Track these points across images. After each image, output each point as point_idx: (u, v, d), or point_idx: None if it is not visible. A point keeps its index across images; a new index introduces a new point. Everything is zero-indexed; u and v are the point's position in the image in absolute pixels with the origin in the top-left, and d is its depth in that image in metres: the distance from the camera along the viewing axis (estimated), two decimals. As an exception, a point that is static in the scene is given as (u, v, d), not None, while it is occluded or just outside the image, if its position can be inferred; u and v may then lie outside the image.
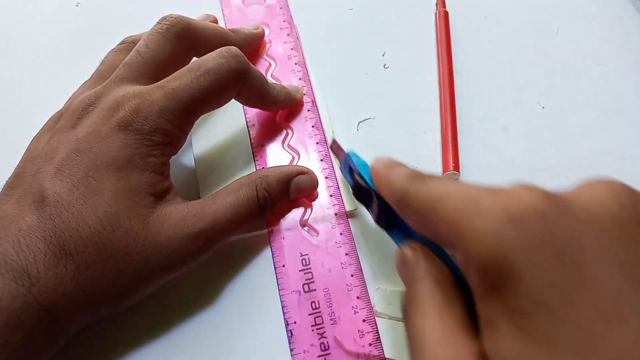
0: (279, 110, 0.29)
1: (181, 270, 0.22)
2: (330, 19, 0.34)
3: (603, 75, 0.33)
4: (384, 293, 0.25)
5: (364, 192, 0.23)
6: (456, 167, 0.28)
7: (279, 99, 0.27)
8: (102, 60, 0.26)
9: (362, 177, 0.23)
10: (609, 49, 0.34)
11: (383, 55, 0.33)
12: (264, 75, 0.26)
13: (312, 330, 0.23)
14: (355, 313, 0.23)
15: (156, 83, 0.23)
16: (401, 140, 0.30)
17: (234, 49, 0.24)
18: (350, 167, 0.24)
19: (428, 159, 0.29)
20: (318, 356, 0.22)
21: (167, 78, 0.23)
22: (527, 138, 0.30)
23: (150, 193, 0.22)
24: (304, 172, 0.26)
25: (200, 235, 0.22)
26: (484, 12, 0.35)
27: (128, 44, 0.27)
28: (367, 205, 0.24)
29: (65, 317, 0.19)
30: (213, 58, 0.23)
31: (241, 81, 0.24)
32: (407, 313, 0.18)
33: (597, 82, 0.32)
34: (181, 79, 0.22)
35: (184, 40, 0.24)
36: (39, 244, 0.19)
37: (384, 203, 0.21)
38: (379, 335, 0.23)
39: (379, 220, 0.23)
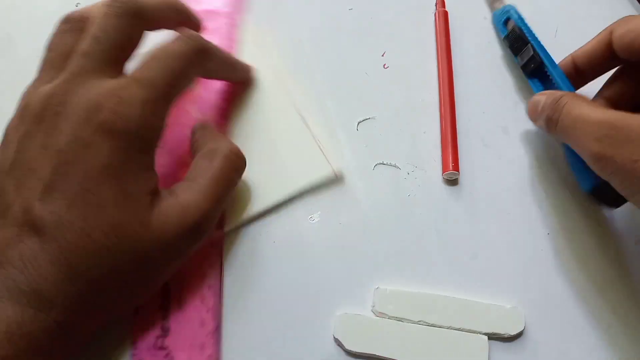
0: (244, 82, 0.30)
1: (187, 255, 0.23)
2: (330, 19, 0.34)
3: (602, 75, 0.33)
4: (383, 293, 0.25)
5: (518, 41, 0.30)
6: (455, 167, 0.28)
7: (244, 70, 0.29)
8: (48, 46, 0.24)
9: (521, 29, 0.30)
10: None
11: (383, 55, 0.33)
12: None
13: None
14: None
15: (127, 76, 0.22)
16: (401, 140, 0.30)
17: (189, 31, 0.24)
18: (507, 17, 0.32)
19: (427, 158, 0.29)
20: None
21: (136, 69, 0.22)
22: (527, 138, 0.30)
23: (147, 193, 0.21)
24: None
25: (202, 221, 0.22)
26: (484, 12, 0.35)
27: (74, 24, 0.24)
28: (517, 53, 0.31)
29: (81, 331, 0.20)
30: (174, 42, 0.23)
31: (206, 58, 0.24)
32: (563, 110, 0.24)
33: (596, 82, 0.32)
34: (152, 68, 0.22)
35: (138, 18, 0.23)
36: (47, 267, 0.18)
37: (538, 55, 0.29)
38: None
39: (525, 67, 0.30)
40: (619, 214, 0.27)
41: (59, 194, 0.19)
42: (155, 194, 0.22)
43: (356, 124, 0.30)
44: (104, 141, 0.20)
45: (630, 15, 0.26)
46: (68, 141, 0.20)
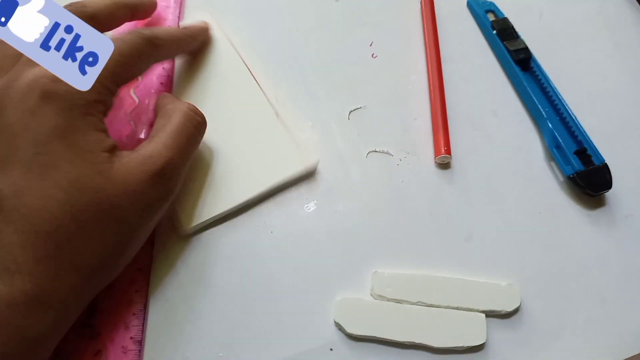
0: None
1: (160, 211, 0.23)
2: (317, 10, 0.34)
3: (595, 61, 0.33)
4: (381, 276, 0.25)
5: (506, 30, 0.33)
6: (448, 151, 0.28)
7: (199, 35, 0.30)
8: None
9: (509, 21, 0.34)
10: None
11: (371, 45, 0.33)
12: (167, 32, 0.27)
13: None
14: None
15: None
16: (392, 127, 0.30)
17: (136, 32, 0.24)
18: (489, 9, 0.35)
19: (419, 144, 0.29)
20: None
21: None
22: (516, 120, 0.31)
23: (102, 150, 0.21)
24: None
25: (165, 168, 0.22)
26: (469, -1, 0.35)
27: None
28: (505, 39, 0.32)
29: (60, 297, 0.20)
30: (126, 34, 0.23)
31: (156, 48, 0.25)
32: None
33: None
34: None
35: (91, 20, 0.23)
36: (12, 237, 0.19)
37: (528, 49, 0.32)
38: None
39: (514, 54, 0.32)
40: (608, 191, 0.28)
41: (14, 164, 0.20)
42: (112, 152, 0.22)
43: (347, 113, 0.30)
44: (48, 106, 0.20)
45: None
46: (15, 115, 0.20)
